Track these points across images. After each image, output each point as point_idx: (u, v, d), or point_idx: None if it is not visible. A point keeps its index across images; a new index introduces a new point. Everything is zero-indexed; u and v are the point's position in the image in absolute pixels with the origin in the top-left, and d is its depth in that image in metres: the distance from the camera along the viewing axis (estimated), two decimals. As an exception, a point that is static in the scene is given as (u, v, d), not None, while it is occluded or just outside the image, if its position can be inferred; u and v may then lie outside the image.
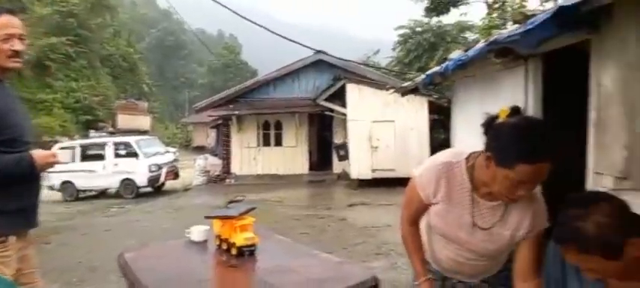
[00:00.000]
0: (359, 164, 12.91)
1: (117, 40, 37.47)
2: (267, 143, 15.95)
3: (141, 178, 14.02)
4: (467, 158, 1.70)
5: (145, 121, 18.20)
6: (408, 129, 12.75)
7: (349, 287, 1.60)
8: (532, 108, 3.97)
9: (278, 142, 15.95)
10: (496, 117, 1.54)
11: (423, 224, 1.96)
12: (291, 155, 15.81)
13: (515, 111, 1.53)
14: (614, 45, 2.96)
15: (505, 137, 1.46)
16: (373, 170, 12.83)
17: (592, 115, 3.23)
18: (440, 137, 12.89)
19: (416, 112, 12.81)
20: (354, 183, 12.89)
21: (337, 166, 15.22)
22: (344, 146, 13.85)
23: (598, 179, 3.20)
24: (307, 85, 16.12)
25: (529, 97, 4.04)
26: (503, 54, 3.46)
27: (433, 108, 12.92)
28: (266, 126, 15.95)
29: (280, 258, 1.95)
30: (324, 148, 16.68)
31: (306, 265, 1.83)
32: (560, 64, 3.91)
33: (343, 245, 6.51)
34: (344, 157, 13.88)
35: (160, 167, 14.47)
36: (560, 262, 1.51)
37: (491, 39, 3.72)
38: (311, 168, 16.01)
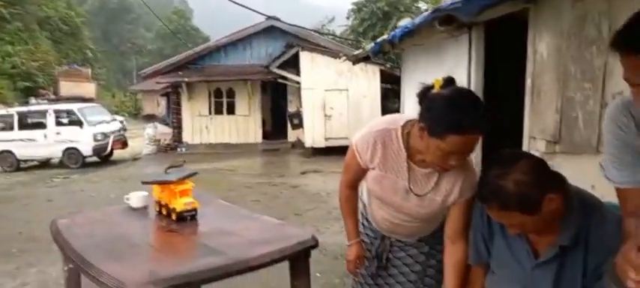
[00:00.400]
0: (313, 132, 12.98)
1: (55, 2, 35.15)
2: (219, 111, 15.66)
3: (86, 148, 13.46)
4: (403, 125, 1.73)
5: (89, 89, 17.39)
6: (361, 97, 12.89)
7: (288, 246, 1.62)
8: (474, 76, 4.08)
9: (230, 111, 15.69)
10: (431, 87, 1.57)
11: (363, 187, 2.00)
12: (244, 124, 15.63)
13: (449, 81, 1.56)
14: (549, 14, 3.07)
15: (437, 108, 1.49)
16: (327, 138, 12.94)
17: (528, 82, 3.38)
18: (393, 106, 13.09)
19: (369, 81, 12.95)
20: (308, 151, 12.97)
21: (291, 135, 15.22)
22: (298, 114, 13.82)
23: (533, 143, 3.37)
24: (260, 52, 15.86)
25: (472, 65, 4.14)
26: (448, 22, 3.52)
27: (386, 77, 13.09)
28: (218, 94, 15.62)
29: (221, 222, 1.94)
30: (278, 116, 16.60)
31: (247, 227, 1.84)
32: (503, 32, 4.03)
33: (295, 211, 6.58)
34: (298, 126, 13.88)
35: (106, 136, 13.92)
36: (486, 219, 1.59)
37: (436, 7, 3.77)
38: (265, 137, 15.93)
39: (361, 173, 1.86)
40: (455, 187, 1.71)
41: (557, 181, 1.38)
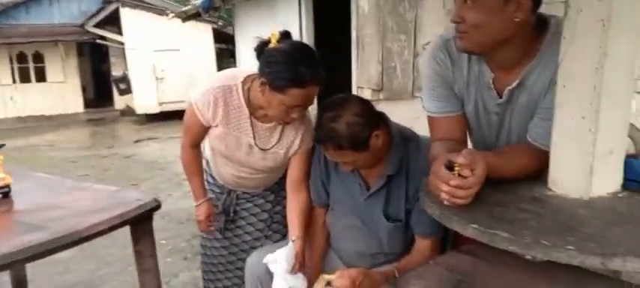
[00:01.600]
0: (144, 98, 12.06)
1: None
2: (26, 79, 13.43)
3: None
4: (243, 81, 1.71)
5: None
6: (194, 58, 12.31)
7: (128, 211, 1.51)
8: (306, 30, 4.24)
9: (40, 78, 13.58)
10: (268, 42, 1.57)
11: (205, 144, 1.96)
12: (60, 92, 13.71)
13: (285, 35, 1.59)
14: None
15: (276, 63, 1.50)
16: (160, 103, 12.18)
17: (353, 35, 3.64)
18: (228, 66, 12.85)
19: (201, 41, 12.43)
20: (141, 118, 12.08)
21: (119, 102, 13.92)
22: (124, 78, 12.63)
23: (360, 93, 3.68)
24: (70, 9, 13.84)
25: (304, 19, 4.29)
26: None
27: (220, 37, 12.71)
28: (22, 58, 13.33)
29: (43, 196, 1.70)
30: (102, 81, 14.95)
31: (75, 198, 1.65)
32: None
33: (131, 181, 6.14)
34: (126, 91, 12.71)
35: None
36: (323, 160, 1.71)
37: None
38: (87, 105, 14.27)
39: (203, 132, 1.81)
40: (296, 138, 1.78)
41: (382, 119, 1.54)
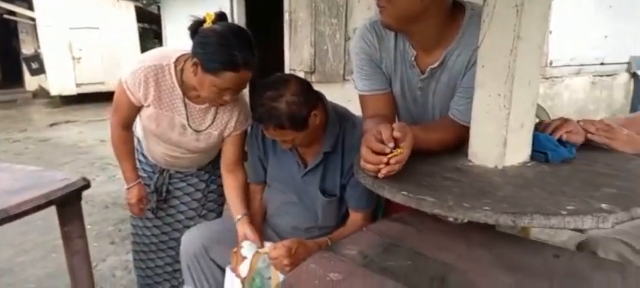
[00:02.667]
0: (59, 78, 11.20)
1: None
2: None
3: None
4: (176, 61, 1.68)
5: None
6: (115, 38, 11.60)
7: (55, 190, 1.44)
8: (237, 11, 4.18)
9: (-64, 55, 12.20)
10: (203, 22, 1.55)
11: (136, 123, 1.90)
12: (-39, 71, 12.41)
13: (220, 17, 1.57)
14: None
15: (210, 44, 1.49)
16: (78, 85, 11.37)
17: (286, 17, 3.65)
18: (153, 47, 12.32)
19: (123, 20, 11.73)
20: (56, 100, 11.22)
21: (31, 83, 12.83)
22: (37, 57, 11.64)
23: (293, 75, 3.71)
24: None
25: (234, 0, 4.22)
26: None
27: (143, 16, 12.10)
28: None
29: (-46, 178, 1.58)
30: (11, 60, 13.68)
31: (-6, 179, 1.54)
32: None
33: (49, 166, 5.73)
34: (38, 71, 11.73)
35: None
36: (261, 138, 1.73)
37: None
38: (-6, 86, 13.04)
39: (134, 111, 1.76)
40: (231, 120, 1.78)
41: (319, 99, 1.59)
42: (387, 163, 1.08)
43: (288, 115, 1.45)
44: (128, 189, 1.91)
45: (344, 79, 3.49)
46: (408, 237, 1.16)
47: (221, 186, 1.96)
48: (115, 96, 1.73)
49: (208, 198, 2.07)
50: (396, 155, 1.08)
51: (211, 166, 2.03)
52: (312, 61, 3.48)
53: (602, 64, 4.15)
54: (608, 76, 4.23)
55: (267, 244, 1.59)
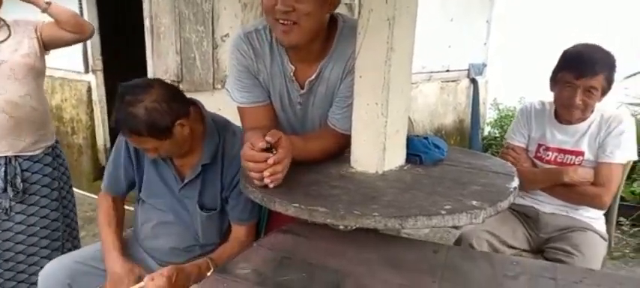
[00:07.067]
0: None
1: None
2: None
3: None
4: None
5: None
6: None
7: None
8: (87, 14, 3.80)
9: None
10: None
11: None
12: None
13: None
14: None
15: None
16: None
17: (146, 23, 3.41)
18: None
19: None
20: None
21: None
22: None
23: (157, 84, 3.48)
24: None
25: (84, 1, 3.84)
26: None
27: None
28: None
29: None
30: None
31: None
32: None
33: None
34: None
35: None
36: (134, 149, 1.58)
37: None
38: None
39: None
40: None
41: (188, 107, 1.48)
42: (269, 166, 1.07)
43: (147, 121, 1.35)
44: None
45: (214, 88, 3.39)
46: (300, 248, 1.16)
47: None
48: None
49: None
50: (274, 155, 1.08)
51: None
52: (179, 69, 3.31)
53: (448, 71, 4.67)
54: (453, 81, 4.77)
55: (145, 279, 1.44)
